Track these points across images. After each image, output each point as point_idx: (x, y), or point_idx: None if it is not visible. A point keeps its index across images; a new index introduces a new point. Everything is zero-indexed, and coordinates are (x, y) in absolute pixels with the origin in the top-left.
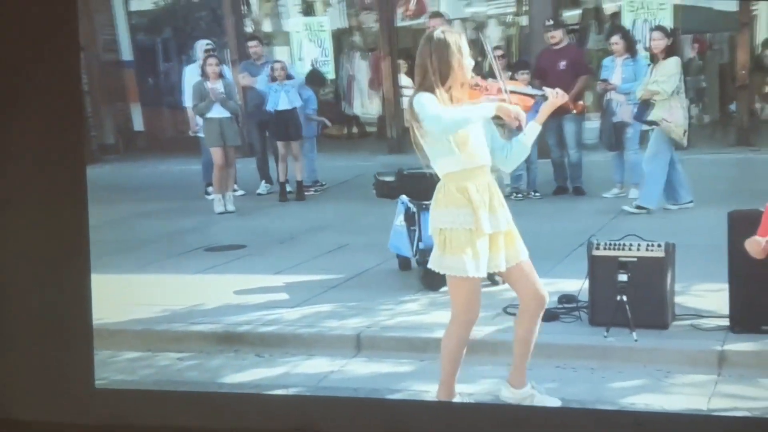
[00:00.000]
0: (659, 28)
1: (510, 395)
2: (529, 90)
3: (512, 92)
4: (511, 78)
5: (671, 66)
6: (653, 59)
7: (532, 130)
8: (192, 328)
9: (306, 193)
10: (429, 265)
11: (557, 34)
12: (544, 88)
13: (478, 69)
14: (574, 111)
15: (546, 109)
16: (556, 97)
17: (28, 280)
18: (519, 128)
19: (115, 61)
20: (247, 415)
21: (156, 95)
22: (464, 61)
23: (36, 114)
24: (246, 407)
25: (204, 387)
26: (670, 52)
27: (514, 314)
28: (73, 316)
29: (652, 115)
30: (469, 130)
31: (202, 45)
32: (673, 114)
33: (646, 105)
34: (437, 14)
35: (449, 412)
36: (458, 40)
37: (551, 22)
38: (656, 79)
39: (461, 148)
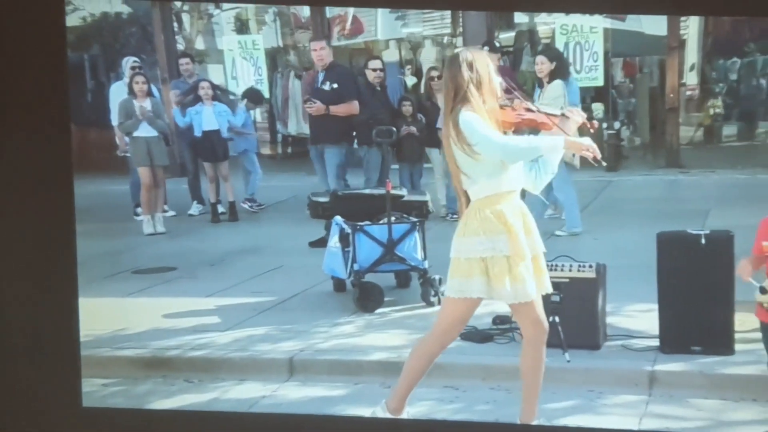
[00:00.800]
0: (543, 52)
1: None
2: (551, 110)
3: (547, 114)
4: None
5: (555, 89)
6: (540, 84)
7: (555, 157)
8: (118, 353)
9: (255, 209)
10: (448, 292)
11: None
12: (564, 108)
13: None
14: (591, 130)
15: (574, 129)
16: (578, 116)
17: (15, 301)
18: (595, 160)
19: None
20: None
21: (83, 113)
22: (494, 76)
23: (23, 135)
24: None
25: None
26: (554, 75)
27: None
28: (59, 336)
29: None
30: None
31: (128, 62)
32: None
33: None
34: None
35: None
36: (486, 58)
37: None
38: (542, 102)
39: (505, 170)
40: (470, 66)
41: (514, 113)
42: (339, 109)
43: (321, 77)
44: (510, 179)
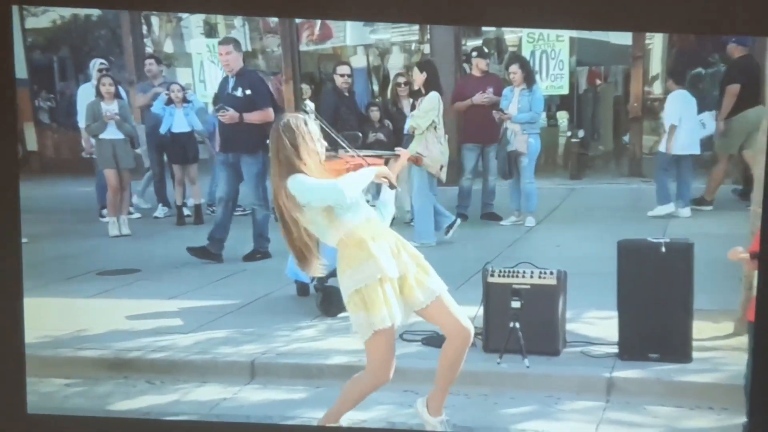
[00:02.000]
0: (419, 64)
1: (424, 416)
2: (381, 152)
3: (367, 156)
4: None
5: (429, 101)
6: (416, 94)
7: (388, 193)
8: (80, 353)
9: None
10: (359, 335)
11: (487, 62)
12: (397, 149)
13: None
14: (419, 164)
15: (396, 168)
16: (404, 154)
17: None
18: (391, 186)
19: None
20: None
21: (50, 115)
22: (314, 143)
23: None
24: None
25: (92, 413)
26: (429, 87)
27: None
28: (3, 343)
29: (410, 149)
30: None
31: (96, 64)
32: (429, 149)
33: (410, 139)
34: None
35: None
36: (299, 121)
37: (475, 54)
38: (414, 113)
39: (343, 212)
40: (287, 133)
41: (341, 162)
42: (253, 117)
43: (232, 83)
44: (356, 213)
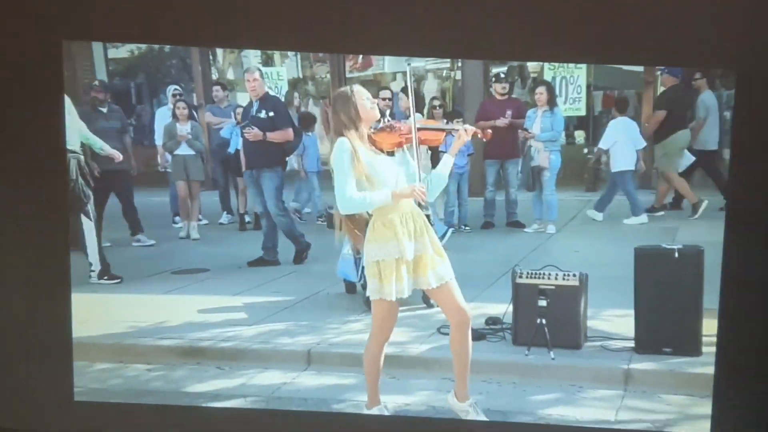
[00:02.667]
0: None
1: (454, 406)
2: (441, 125)
3: (421, 129)
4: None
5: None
6: (450, 115)
7: (446, 162)
8: (159, 342)
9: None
10: (368, 293)
11: (507, 87)
12: (456, 122)
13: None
14: (484, 138)
15: (456, 143)
16: (466, 132)
17: (13, 299)
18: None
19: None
20: (212, 424)
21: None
22: (362, 100)
23: (20, 143)
24: (208, 419)
25: (169, 396)
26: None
27: (446, 334)
28: (54, 333)
29: None
30: (377, 172)
31: (171, 89)
32: None
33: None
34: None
35: (385, 424)
36: (360, 91)
37: (494, 78)
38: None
39: (376, 189)
40: (344, 101)
41: (395, 135)
42: (275, 135)
43: (256, 106)
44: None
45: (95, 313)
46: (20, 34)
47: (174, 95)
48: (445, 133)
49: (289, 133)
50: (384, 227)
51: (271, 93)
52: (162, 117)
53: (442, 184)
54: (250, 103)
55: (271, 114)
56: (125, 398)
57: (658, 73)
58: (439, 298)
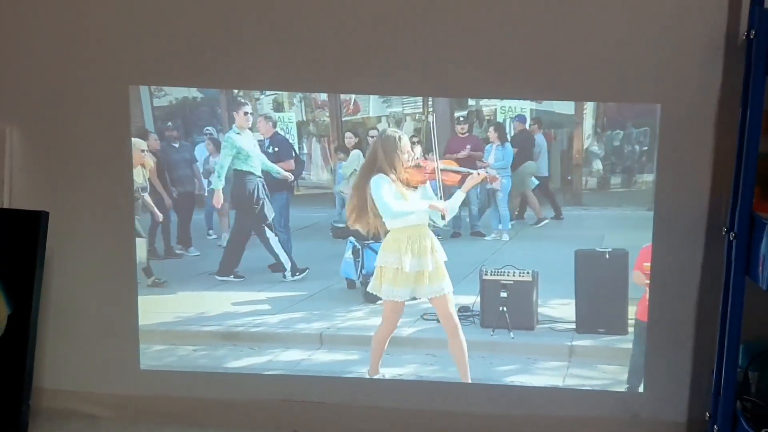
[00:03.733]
0: (492, 125)
1: None
2: (458, 168)
3: (443, 170)
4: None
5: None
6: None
7: (458, 196)
8: (202, 328)
9: None
10: (368, 289)
11: (465, 127)
12: (473, 170)
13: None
14: (491, 183)
15: (469, 183)
16: (479, 175)
17: (90, 294)
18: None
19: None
20: (248, 389)
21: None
22: (403, 154)
23: (94, 175)
24: (247, 383)
25: (214, 369)
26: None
27: (428, 320)
28: (125, 317)
29: None
30: (410, 200)
31: (206, 130)
32: None
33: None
34: (264, 116)
35: (383, 385)
36: (398, 138)
37: (462, 119)
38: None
39: (403, 216)
40: (386, 146)
41: (421, 171)
42: (281, 166)
43: (267, 143)
44: (407, 220)
45: (151, 307)
46: (90, 80)
47: (206, 134)
48: (460, 176)
49: (290, 164)
50: (393, 241)
51: (279, 133)
52: (200, 151)
53: (454, 212)
54: (262, 141)
55: (277, 149)
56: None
57: (517, 120)
58: (436, 307)
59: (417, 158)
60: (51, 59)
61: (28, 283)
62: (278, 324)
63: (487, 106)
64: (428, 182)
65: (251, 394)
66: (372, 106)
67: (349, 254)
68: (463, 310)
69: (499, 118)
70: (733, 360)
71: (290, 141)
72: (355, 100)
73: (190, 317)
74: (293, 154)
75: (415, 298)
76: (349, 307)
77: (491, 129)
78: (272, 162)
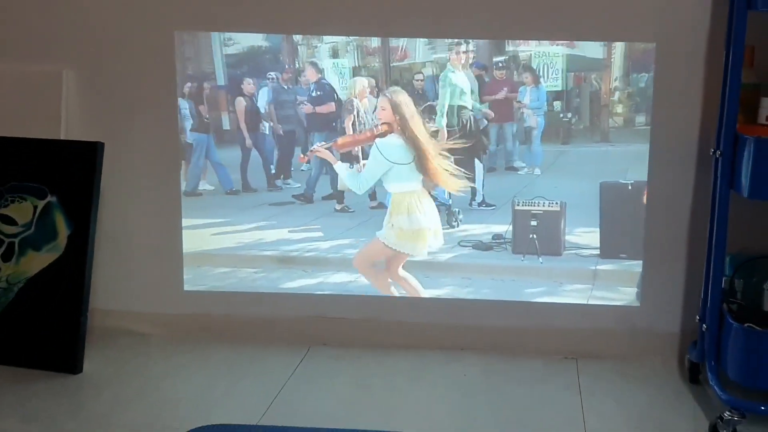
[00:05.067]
0: (526, 69)
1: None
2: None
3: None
4: None
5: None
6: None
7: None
8: (261, 253)
9: None
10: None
11: (504, 72)
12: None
13: None
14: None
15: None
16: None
17: (140, 221)
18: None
19: (215, 86)
20: (283, 307)
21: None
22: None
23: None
24: (282, 302)
25: (264, 289)
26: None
27: (464, 245)
28: (170, 243)
29: None
30: None
31: (269, 75)
32: None
33: None
34: (311, 63)
35: (403, 302)
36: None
37: (501, 64)
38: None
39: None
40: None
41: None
42: (321, 108)
43: (312, 87)
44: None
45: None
46: (138, 27)
47: (269, 78)
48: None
49: (331, 106)
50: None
51: (323, 79)
52: (263, 94)
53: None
54: (309, 86)
55: (320, 93)
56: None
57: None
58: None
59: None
60: (102, 7)
61: (86, 206)
62: (329, 249)
63: (524, 51)
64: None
65: (286, 312)
66: (418, 52)
67: None
68: (496, 237)
69: (534, 64)
70: (719, 266)
71: (332, 86)
72: (403, 47)
73: (249, 243)
74: (334, 98)
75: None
76: None
77: (527, 73)
78: (315, 104)
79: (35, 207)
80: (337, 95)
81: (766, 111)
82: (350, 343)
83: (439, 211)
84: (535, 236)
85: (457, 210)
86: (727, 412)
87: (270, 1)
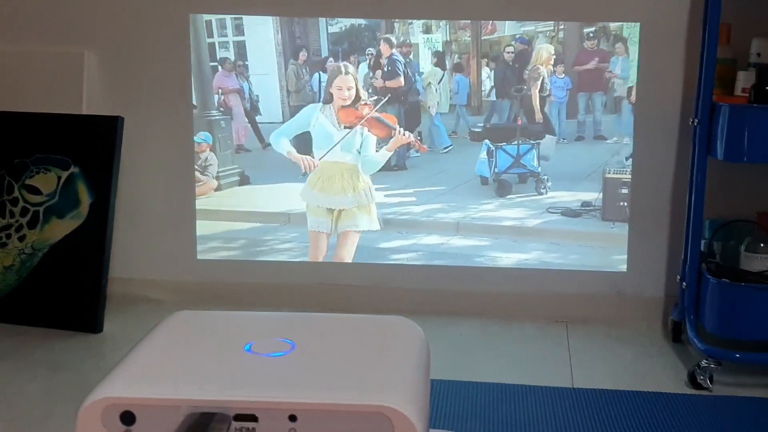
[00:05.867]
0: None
1: None
2: (390, 123)
3: (376, 119)
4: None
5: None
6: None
7: (383, 154)
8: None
9: None
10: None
11: (594, 42)
12: (397, 126)
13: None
14: (421, 151)
15: (394, 143)
16: (406, 137)
17: (157, 191)
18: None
19: (321, 59)
20: (291, 274)
21: None
22: (339, 90)
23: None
24: (290, 269)
25: (368, 251)
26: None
27: (554, 212)
28: (183, 213)
29: None
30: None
31: (367, 51)
32: None
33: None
34: (386, 39)
35: (404, 269)
36: (342, 71)
37: (591, 35)
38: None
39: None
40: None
41: (354, 114)
42: (391, 83)
43: (386, 62)
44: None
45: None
46: (153, 10)
47: (368, 53)
48: (389, 131)
49: (399, 81)
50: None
51: (395, 54)
52: (362, 68)
53: (372, 167)
54: (383, 60)
55: (389, 68)
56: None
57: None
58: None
59: (358, 100)
60: None
61: (106, 177)
62: (422, 213)
63: (615, 23)
64: (359, 127)
65: (295, 279)
66: (507, 25)
67: (483, 155)
68: (585, 205)
69: (624, 33)
70: (698, 228)
71: (401, 62)
72: (492, 21)
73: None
74: (401, 73)
75: (539, 190)
76: (481, 201)
77: (619, 44)
78: (385, 79)
79: (59, 177)
80: (404, 71)
81: (742, 83)
82: (355, 309)
83: (527, 179)
84: (624, 203)
85: (545, 177)
86: (704, 361)
87: None
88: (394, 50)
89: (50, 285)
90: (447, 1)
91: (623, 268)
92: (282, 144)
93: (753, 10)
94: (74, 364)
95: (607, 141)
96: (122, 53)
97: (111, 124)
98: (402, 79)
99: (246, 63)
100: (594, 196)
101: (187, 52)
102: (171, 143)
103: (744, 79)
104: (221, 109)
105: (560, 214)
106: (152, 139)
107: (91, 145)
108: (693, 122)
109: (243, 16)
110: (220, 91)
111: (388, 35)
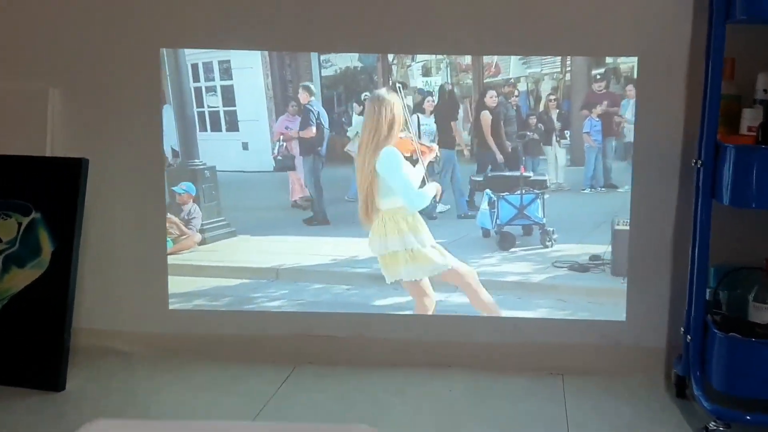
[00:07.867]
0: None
1: None
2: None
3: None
4: None
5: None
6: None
7: (433, 186)
8: (354, 270)
9: None
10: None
11: (602, 84)
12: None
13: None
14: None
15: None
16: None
17: (124, 238)
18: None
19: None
20: (267, 325)
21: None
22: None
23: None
24: (266, 320)
25: (363, 307)
26: None
27: (560, 266)
28: (155, 261)
29: None
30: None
31: (363, 96)
32: None
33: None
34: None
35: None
36: (397, 99)
37: (599, 77)
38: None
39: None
40: (389, 108)
41: (408, 142)
42: (303, 133)
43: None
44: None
45: (302, 248)
46: (122, 44)
47: (363, 99)
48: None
49: (310, 131)
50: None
51: (308, 105)
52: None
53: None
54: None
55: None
56: (331, 308)
57: None
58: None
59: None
60: (88, 26)
61: (70, 223)
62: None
63: (625, 63)
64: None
65: (271, 330)
66: (512, 67)
67: (485, 205)
68: (593, 258)
69: (635, 75)
70: (703, 277)
71: (312, 111)
72: (496, 62)
73: (342, 260)
74: (313, 122)
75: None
76: (483, 254)
77: (629, 86)
78: (300, 129)
79: (20, 224)
80: (318, 119)
81: (748, 122)
82: (336, 362)
83: (532, 230)
84: None
85: (551, 229)
86: (713, 423)
87: (255, 18)
88: (312, 98)
89: (9, 339)
90: (441, 35)
91: (622, 317)
92: (425, 194)
93: (758, 43)
94: (34, 427)
95: (618, 189)
96: (89, 89)
97: (74, 166)
98: (314, 128)
99: (235, 108)
100: (603, 248)
101: (158, 88)
102: (141, 185)
103: (750, 117)
104: (279, 158)
105: (567, 268)
106: (121, 180)
107: (53, 189)
108: (696, 163)
109: (230, 59)
110: (281, 137)
111: (307, 84)
